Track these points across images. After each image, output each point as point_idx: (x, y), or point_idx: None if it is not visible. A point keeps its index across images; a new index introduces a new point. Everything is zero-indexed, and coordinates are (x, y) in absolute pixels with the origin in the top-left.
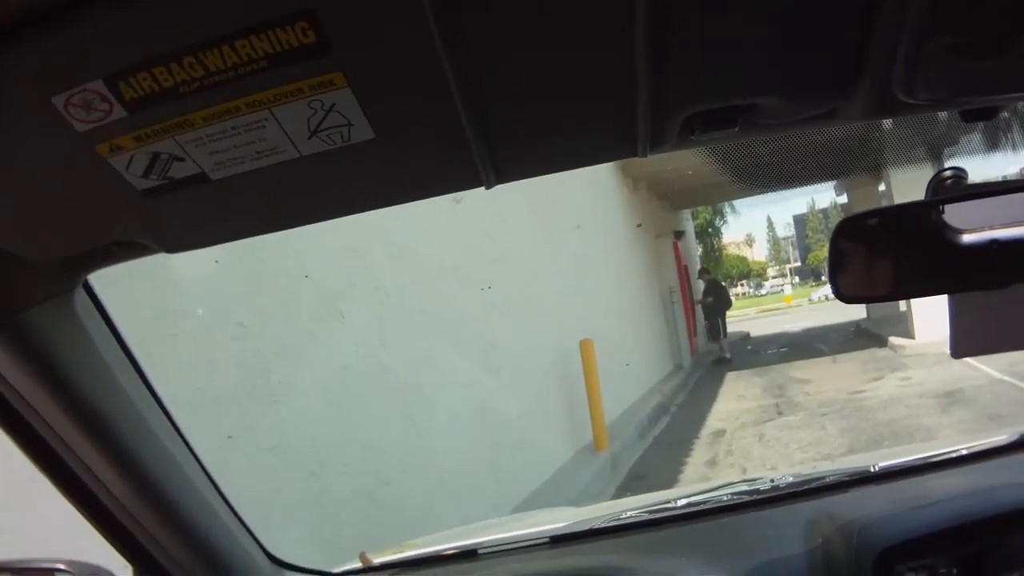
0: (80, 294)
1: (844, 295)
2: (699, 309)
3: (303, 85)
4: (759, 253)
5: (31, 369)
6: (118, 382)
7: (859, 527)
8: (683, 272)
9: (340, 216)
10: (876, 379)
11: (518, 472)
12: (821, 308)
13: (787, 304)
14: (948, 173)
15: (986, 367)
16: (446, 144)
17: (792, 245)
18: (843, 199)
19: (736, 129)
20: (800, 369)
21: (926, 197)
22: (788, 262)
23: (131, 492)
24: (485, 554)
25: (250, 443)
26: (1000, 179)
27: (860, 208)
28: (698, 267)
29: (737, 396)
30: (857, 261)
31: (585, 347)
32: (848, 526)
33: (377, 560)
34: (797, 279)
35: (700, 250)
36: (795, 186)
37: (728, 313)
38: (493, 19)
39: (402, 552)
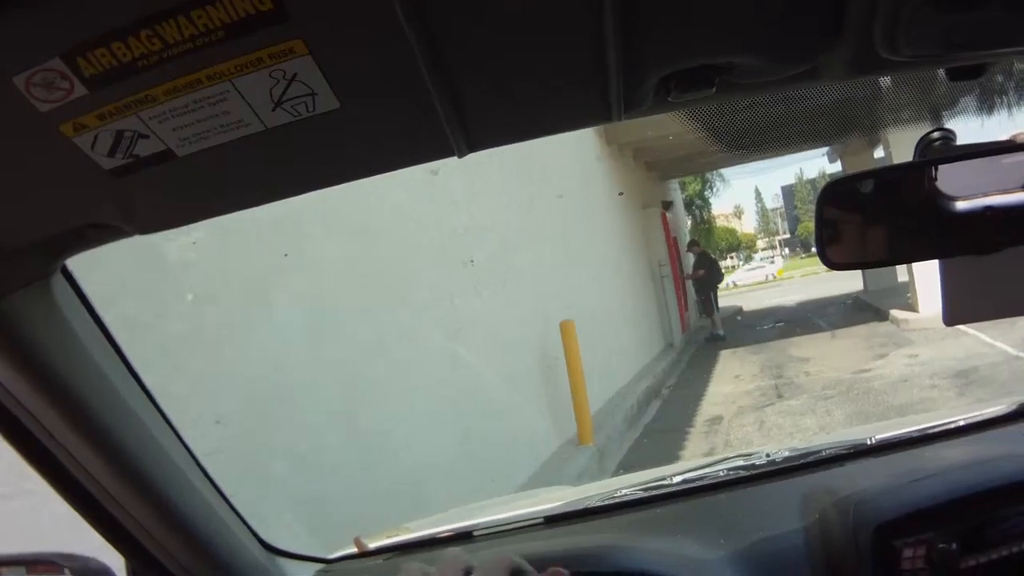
0: (58, 280)
1: (832, 262)
2: (689, 283)
3: (263, 54)
4: (748, 225)
5: (10, 358)
6: (101, 369)
7: (855, 501)
8: (672, 244)
9: (313, 190)
10: (881, 356)
11: (489, 474)
12: (814, 280)
13: (779, 277)
14: (936, 135)
15: (1000, 343)
16: (414, 112)
17: (781, 216)
18: (836, 166)
19: (713, 90)
20: (798, 346)
21: (914, 159)
22: (777, 234)
23: (119, 481)
24: (480, 535)
25: None
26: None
27: (852, 168)
28: (687, 239)
29: (733, 377)
30: (843, 226)
31: (566, 329)
32: (844, 500)
33: (372, 544)
34: (787, 251)
35: (689, 222)
36: (787, 151)
37: (719, 287)
38: None
39: (397, 535)
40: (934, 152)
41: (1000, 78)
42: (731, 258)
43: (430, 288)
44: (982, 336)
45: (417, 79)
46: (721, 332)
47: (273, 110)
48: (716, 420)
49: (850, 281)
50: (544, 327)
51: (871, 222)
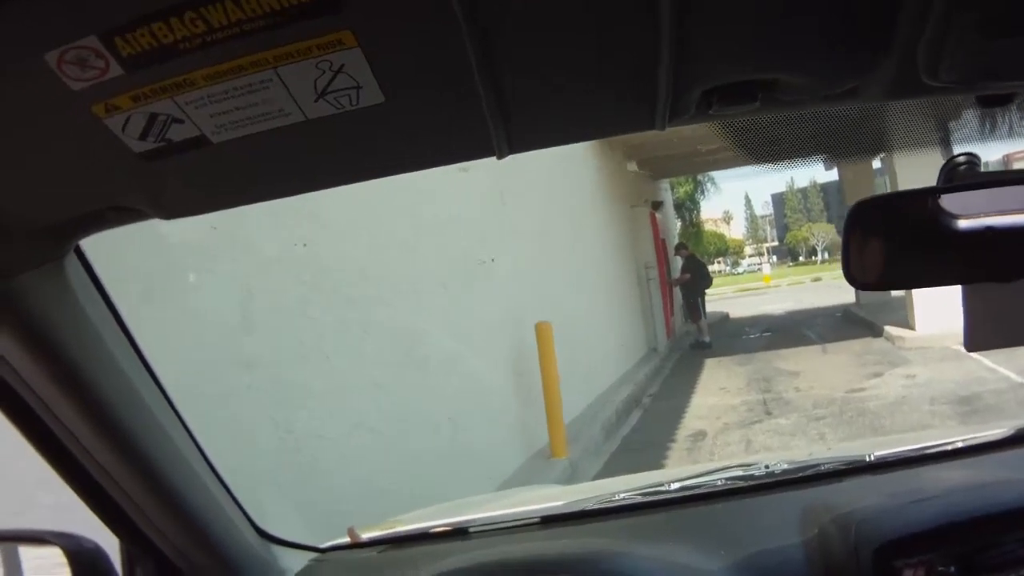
0: (72, 260)
1: (856, 280)
2: (676, 287)
3: (311, 44)
4: (736, 231)
5: (19, 337)
6: (109, 351)
7: (857, 520)
8: (661, 246)
9: (345, 184)
10: (876, 375)
11: (444, 492)
12: (802, 289)
13: (766, 284)
14: (961, 159)
15: (1003, 368)
16: (458, 111)
17: (770, 224)
18: (832, 174)
19: (756, 105)
20: (787, 359)
21: (938, 183)
22: (765, 241)
23: (121, 463)
24: (476, 532)
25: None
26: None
27: (851, 184)
28: (676, 241)
29: (719, 388)
30: (869, 246)
31: (542, 331)
32: (846, 518)
33: (365, 536)
34: (775, 258)
35: (678, 225)
36: (799, 163)
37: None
38: None
39: (391, 528)
40: (958, 176)
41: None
42: (718, 263)
43: (384, 283)
44: (984, 360)
45: (466, 77)
46: (707, 339)
47: (316, 101)
48: (699, 436)
49: (840, 291)
50: (517, 328)
51: (896, 244)
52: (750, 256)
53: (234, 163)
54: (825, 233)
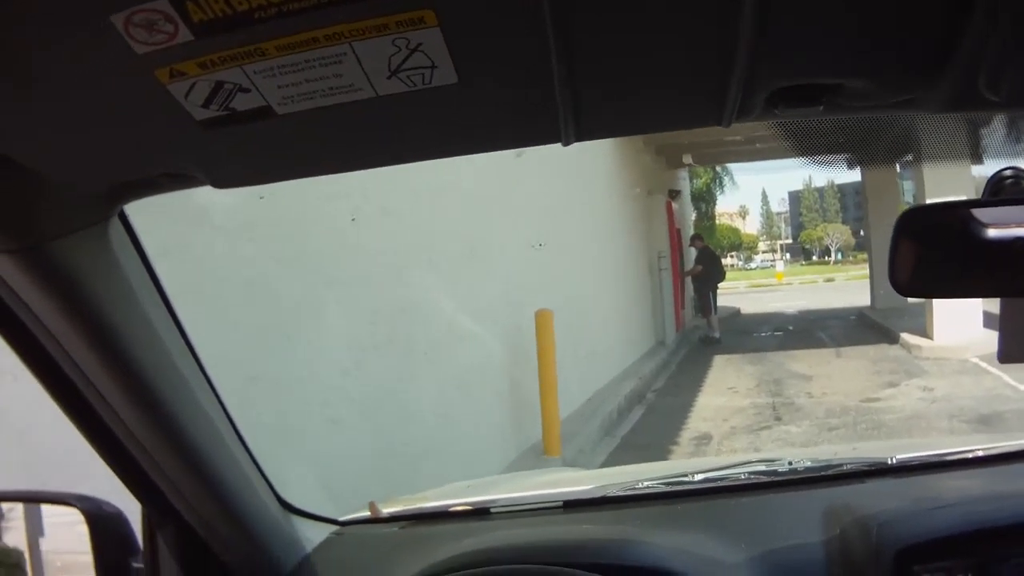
0: (115, 223)
1: (901, 286)
2: (688, 279)
3: (390, 20)
4: (751, 226)
5: (59, 298)
6: (147, 316)
7: (879, 523)
8: (675, 236)
9: (406, 162)
10: (891, 385)
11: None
12: (815, 289)
13: (778, 281)
14: (1009, 173)
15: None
16: (530, 96)
17: (785, 221)
18: (852, 175)
19: (820, 108)
20: (799, 361)
21: (984, 195)
22: (779, 238)
23: (149, 429)
24: (497, 513)
25: None
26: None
27: (874, 185)
28: (691, 232)
29: (727, 388)
30: (915, 253)
31: (542, 320)
32: (867, 520)
33: (386, 511)
34: (788, 256)
35: (694, 215)
36: (817, 160)
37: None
38: None
39: (412, 504)
40: (1005, 190)
41: None
42: (731, 256)
43: (367, 258)
44: (1004, 376)
45: (543, 62)
46: (717, 335)
47: (388, 78)
48: (704, 439)
49: (853, 294)
50: (515, 314)
51: (941, 253)
52: (763, 252)
53: (294, 135)
54: (840, 234)
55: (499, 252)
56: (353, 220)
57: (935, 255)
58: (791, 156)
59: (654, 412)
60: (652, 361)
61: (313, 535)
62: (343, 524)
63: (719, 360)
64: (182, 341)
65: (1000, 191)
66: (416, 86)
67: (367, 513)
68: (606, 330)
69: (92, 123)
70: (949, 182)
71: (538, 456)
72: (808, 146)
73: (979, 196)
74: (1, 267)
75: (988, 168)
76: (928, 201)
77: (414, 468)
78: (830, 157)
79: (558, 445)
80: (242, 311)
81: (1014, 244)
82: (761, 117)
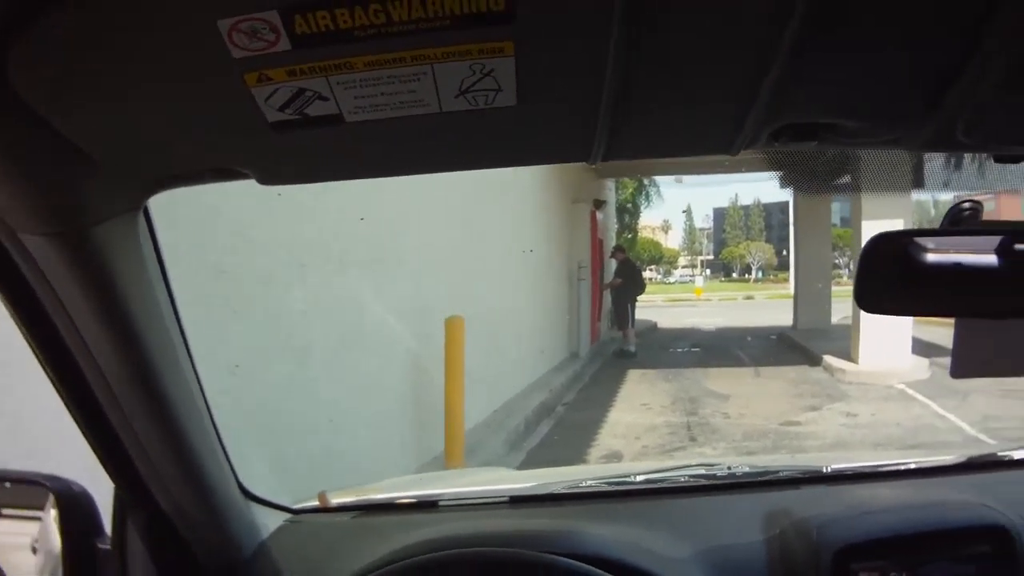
0: (141, 213)
1: (864, 304)
2: (607, 291)
3: (473, 48)
4: (673, 240)
5: (86, 283)
6: (157, 303)
7: (818, 524)
8: (597, 247)
9: (444, 171)
10: (812, 408)
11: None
12: (734, 306)
13: (697, 296)
14: (967, 205)
15: (953, 416)
16: (574, 119)
17: (708, 237)
18: (782, 195)
19: (814, 143)
20: (716, 379)
21: (942, 225)
22: (701, 254)
23: (144, 414)
24: (445, 507)
25: None
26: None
27: (804, 204)
28: (613, 243)
29: (640, 404)
30: (879, 275)
31: (452, 327)
32: (806, 522)
33: (335, 500)
34: (708, 271)
35: (616, 227)
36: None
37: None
38: (670, 13)
39: (361, 495)
40: (963, 220)
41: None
42: (651, 270)
43: (264, 253)
44: (932, 405)
45: (596, 92)
46: (632, 348)
47: (456, 97)
48: (614, 457)
49: (773, 313)
50: (425, 321)
51: (903, 275)
52: (683, 267)
53: (351, 140)
54: (762, 252)
55: (412, 257)
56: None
57: (897, 277)
58: (722, 172)
59: (563, 427)
60: (564, 373)
61: (269, 522)
62: (296, 512)
63: (633, 375)
64: (179, 331)
65: (959, 222)
66: (477, 106)
67: (316, 503)
68: (519, 340)
69: (167, 117)
70: (888, 207)
71: (439, 469)
72: (746, 165)
73: (928, 224)
74: (37, 248)
75: (926, 195)
76: (864, 224)
77: (300, 476)
78: (766, 175)
79: (461, 457)
80: None
81: (970, 268)
82: (764, 147)
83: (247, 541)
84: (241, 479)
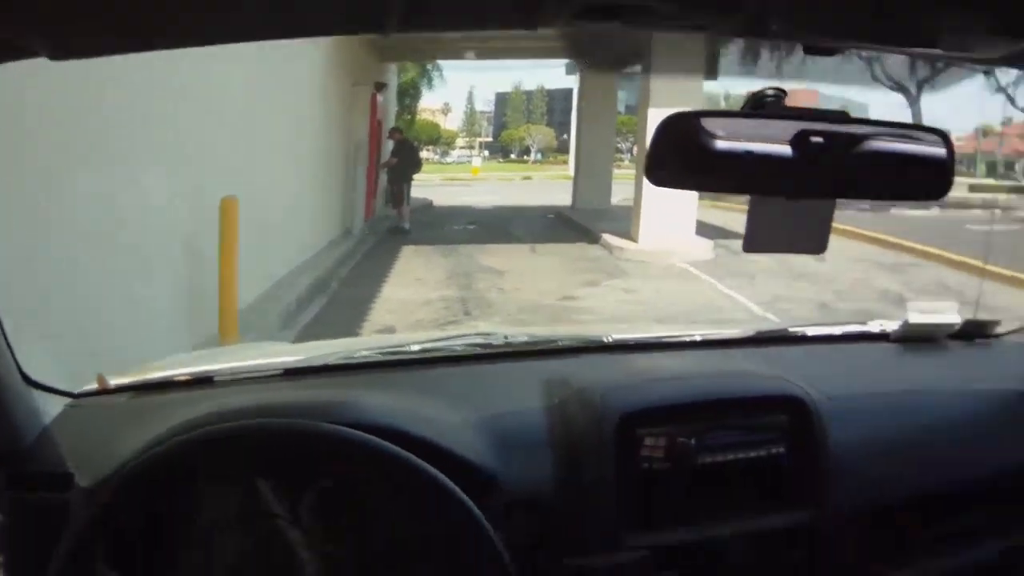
0: None
1: (655, 178)
2: (383, 171)
3: None
4: (453, 123)
5: None
6: None
7: (602, 391)
8: (375, 128)
9: (241, 41)
10: (591, 284)
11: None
12: (511, 185)
13: (473, 175)
14: (771, 91)
15: (740, 295)
16: None
17: (488, 120)
18: (567, 81)
19: (618, 23)
20: (491, 255)
21: (743, 109)
22: (480, 136)
23: None
24: (221, 382)
25: None
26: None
27: (590, 90)
28: (392, 125)
29: (414, 279)
30: (675, 150)
31: (226, 207)
32: (589, 389)
33: (114, 382)
34: (487, 153)
35: (396, 109)
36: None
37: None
38: None
39: (139, 376)
40: (767, 107)
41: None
42: (429, 151)
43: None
44: (718, 285)
45: None
46: (406, 225)
47: None
48: (387, 331)
49: (551, 193)
50: (200, 203)
51: (698, 153)
52: (461, 148)
53: (132, 7)
54: (543, 136)
55: (189, 140)
56: None
57: (694, 154)
58: (509, 57)
59: (336, 303)
60: (337, 250)
61: (51, 408)
62: (76, 396)
63: (407, 250)
64: None
65: (761, 107)
66: None
67: (96, 385)
68: (290, 218)
69: None
70: (677, 96)
71: (214, 346)
72: (535, 49)
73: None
74: None
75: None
76: (650, 111)
77: (80, 360)
78: (553, 60)
79: (237, 335)
80: None
81: (766, 152)
82: (565, 25)
83: (29, 427)
84: (22, 365)
